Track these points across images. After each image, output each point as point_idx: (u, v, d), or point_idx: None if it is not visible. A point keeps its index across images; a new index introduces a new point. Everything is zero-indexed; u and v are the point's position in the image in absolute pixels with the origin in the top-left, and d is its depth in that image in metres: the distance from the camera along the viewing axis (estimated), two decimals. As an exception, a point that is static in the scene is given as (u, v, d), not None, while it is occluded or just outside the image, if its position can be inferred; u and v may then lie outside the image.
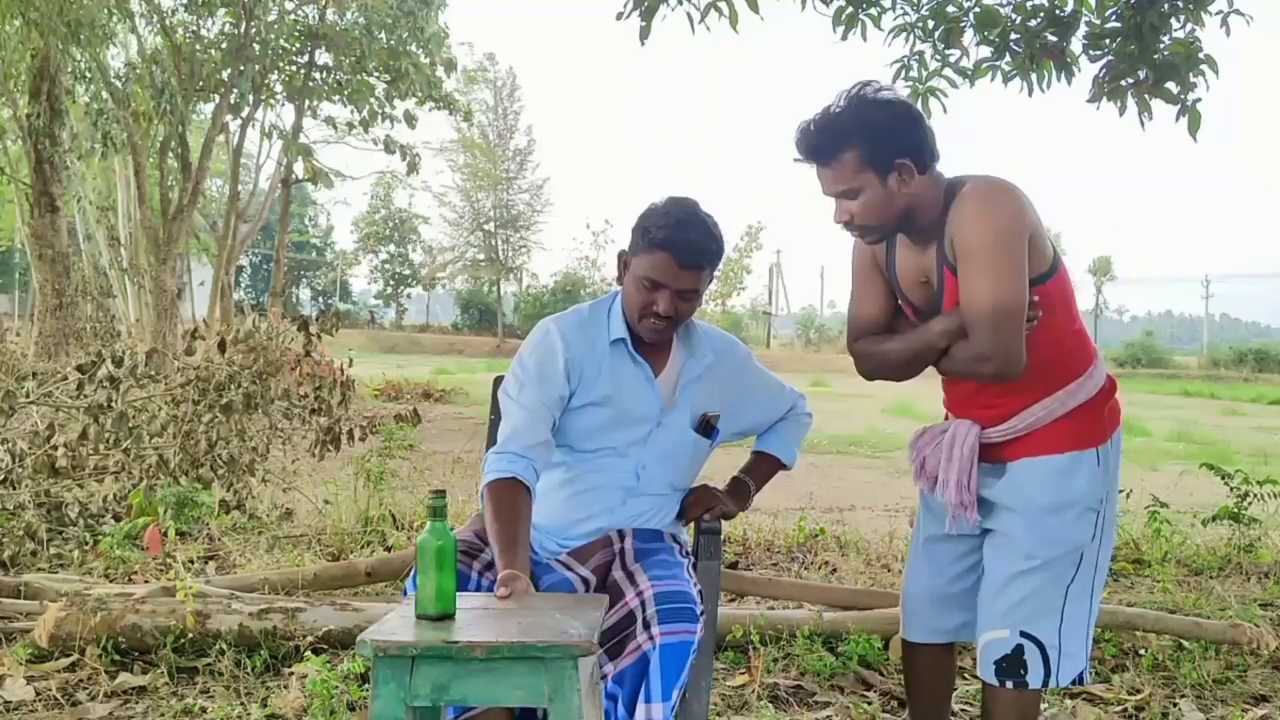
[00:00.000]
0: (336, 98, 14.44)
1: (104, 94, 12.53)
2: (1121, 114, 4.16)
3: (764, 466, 2.42)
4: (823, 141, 1.97)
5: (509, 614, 1.74)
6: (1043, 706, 2.95)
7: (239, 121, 14.32)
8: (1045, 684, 2.06)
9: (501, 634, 1.60)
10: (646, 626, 1.92)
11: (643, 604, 1.96)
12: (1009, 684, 2.06)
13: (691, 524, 2.33)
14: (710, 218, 2.14)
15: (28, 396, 5.16)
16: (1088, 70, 4.25)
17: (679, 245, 2.06)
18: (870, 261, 2.17)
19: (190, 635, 3.05)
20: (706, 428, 2.26)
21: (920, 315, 2.11)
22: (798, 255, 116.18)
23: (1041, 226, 1.99)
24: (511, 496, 2.02)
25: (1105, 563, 2.12)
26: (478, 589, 2.00)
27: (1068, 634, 2.05)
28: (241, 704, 2.78)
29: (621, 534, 2.19)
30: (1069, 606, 2.05)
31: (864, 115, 1.95)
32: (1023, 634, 2.04)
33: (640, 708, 1.89)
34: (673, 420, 2.21)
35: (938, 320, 2.03)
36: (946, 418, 2.22)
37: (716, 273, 2.19)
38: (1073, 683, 2.10)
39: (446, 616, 1.68)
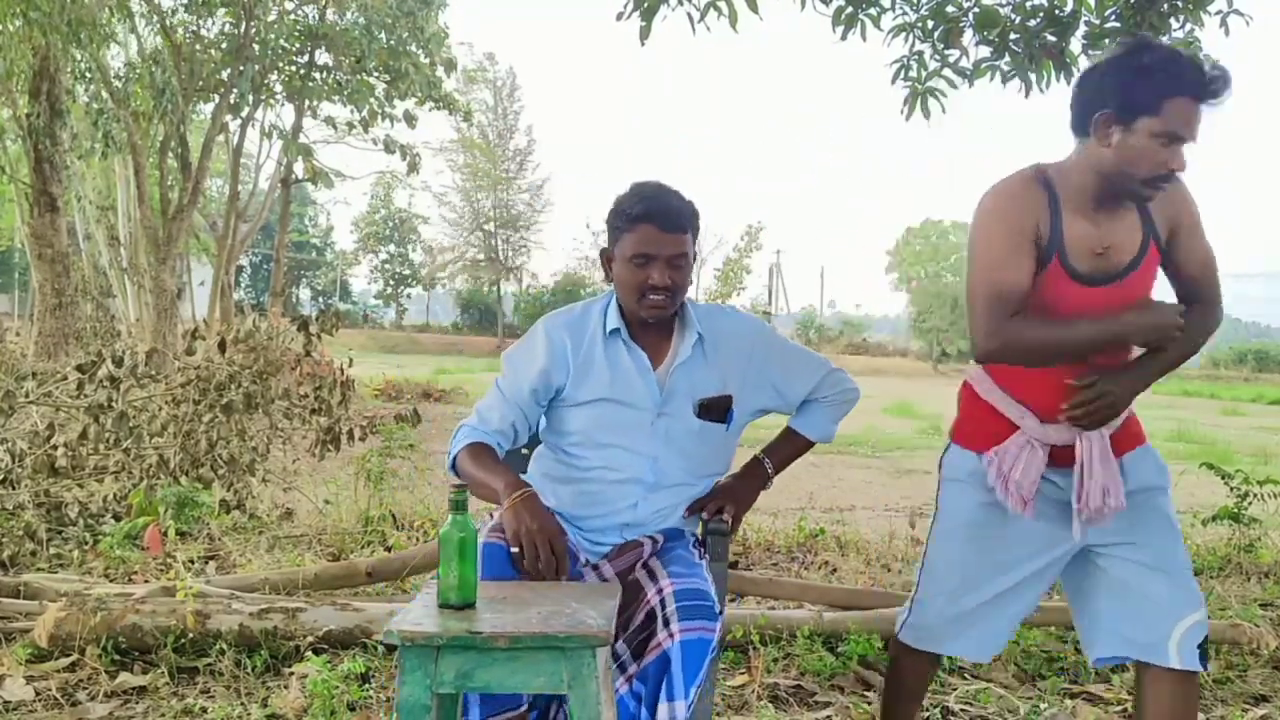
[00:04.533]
0: (336, 98, 14.44)
1: (104, 94, 12.53)
2: (1121, 114, 4.15)
3: (789, 446, 2.34)
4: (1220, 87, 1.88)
5: (528, 603, 1.79)
6: (1043, 706, 2.95)
7: (239, 121, 14.34)
8: None
9: (522, 624, 1.67)
10: (666, 624, 1.93)
11: (662, 601, 1.96)
12: (1209, 666, 2.05)
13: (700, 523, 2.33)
14: (678, 190, 2.16)
15: (28, 396, 5.16)
16: (1087, 70, 4.25)
17: (658, 212, 2.09)
18: (1021, 230, 1.98)
19: (190, 635, 3.05)
20: (715, 411, 2.18)
21: (1086, 283, 2.00)
22: (798, 255, 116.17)
23: None
24: (487, 449, 2.14)
25: None
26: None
27: None
28: (241, 704, 2.78)
29: (654, 539, 2.19)
30: None
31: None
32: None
33: (662, 706, 1.88)
34: (673, 409, 2.16)
35: (1168, 307, 1.99)
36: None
37: (698, 251, 2.17)
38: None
39: (468, 605, 1.73)
